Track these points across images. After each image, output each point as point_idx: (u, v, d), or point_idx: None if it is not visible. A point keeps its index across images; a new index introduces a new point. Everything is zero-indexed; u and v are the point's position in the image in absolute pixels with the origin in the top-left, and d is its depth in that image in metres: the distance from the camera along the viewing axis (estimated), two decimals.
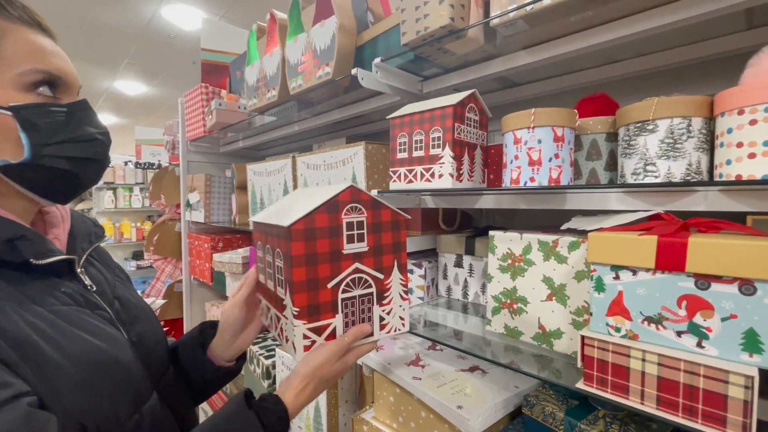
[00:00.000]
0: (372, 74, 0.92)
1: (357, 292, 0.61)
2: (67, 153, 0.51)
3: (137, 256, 4.57)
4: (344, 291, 0.60)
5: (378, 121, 1.44)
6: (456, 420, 0.70)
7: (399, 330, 0.66)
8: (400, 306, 0.66)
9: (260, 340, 1.50)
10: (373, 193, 0.92)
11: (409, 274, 0.99)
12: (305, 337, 0.58)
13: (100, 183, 4.34)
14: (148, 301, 1.41)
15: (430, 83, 0.99)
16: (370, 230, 0.62)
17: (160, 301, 1.32)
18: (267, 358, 1.34)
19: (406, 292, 0.66)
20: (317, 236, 0.57)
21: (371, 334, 0.63)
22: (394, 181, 0.86)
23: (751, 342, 0.45)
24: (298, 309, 0.56)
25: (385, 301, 0.64)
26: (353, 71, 0.91)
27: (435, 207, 1.01)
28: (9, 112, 0.47)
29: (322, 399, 1.09)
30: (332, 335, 0.60)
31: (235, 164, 1.71)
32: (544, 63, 0.77)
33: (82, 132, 0.53)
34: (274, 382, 1.31)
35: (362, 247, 0.61)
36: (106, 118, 7.58)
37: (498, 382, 0.80)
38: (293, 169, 1.34)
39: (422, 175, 0.80)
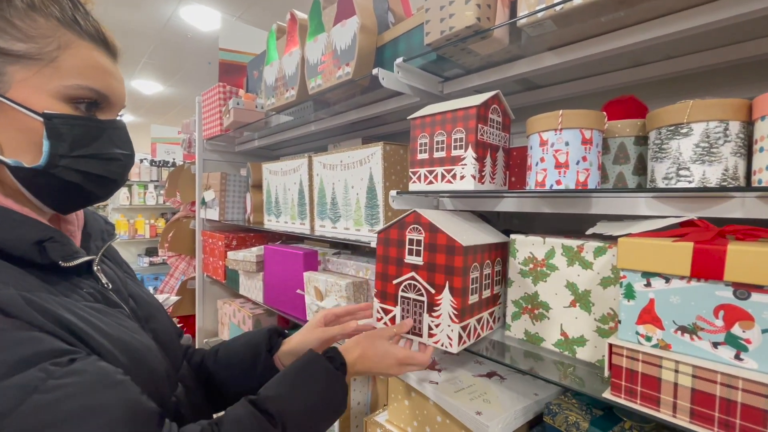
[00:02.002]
0: (393, 74, 0.91)
1: (411, 295, 0.76)
2: (83, 167, 0.50)
3: (150, 252, 4.64)
4: (403, 290, 0.77)
5: (395, 122, 1.43)
6: (474, 426, 0.68)
7: (447, 348, 0.71)
8: (449, 326, 0.70)
9: None
10: (392, 194, 0.91)
11: None
12: (378, 311, 0.81)
13: None
14: (162, 297, 1.43)
15: (450, 84, 0.98)
16: (426, 249, 0.73)
17: (174, 298, 1.33)
18: None
19: (457, 316, 0.69)
20: (390, 243, 0.79)
21: (417, 333, 0.75)
22: (414, 182, 0.85)
23: None
24: (376, 290, 0.82)
25: (434, 314, 0.72)
26: (374, 71, 0.91)
27: (453, 209, 1.00)
28: (41, 118, 0.47)
29: None
30: (393, 320, 0.78)
31: (251, 163, 1.72)
32: (570, 65, 0.76)
33: (106, 150, 0.52)
34: None
35: (419, 260, 0.74)
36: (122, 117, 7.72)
37: (517, 388, 0.78)
38: (309, 169, 1.35)
39: (443, 177, 0.79)
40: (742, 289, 0.46)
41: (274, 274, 1.43)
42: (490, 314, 0.78)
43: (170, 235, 2.08)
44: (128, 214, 4.58)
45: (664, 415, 0.50)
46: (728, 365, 0.47)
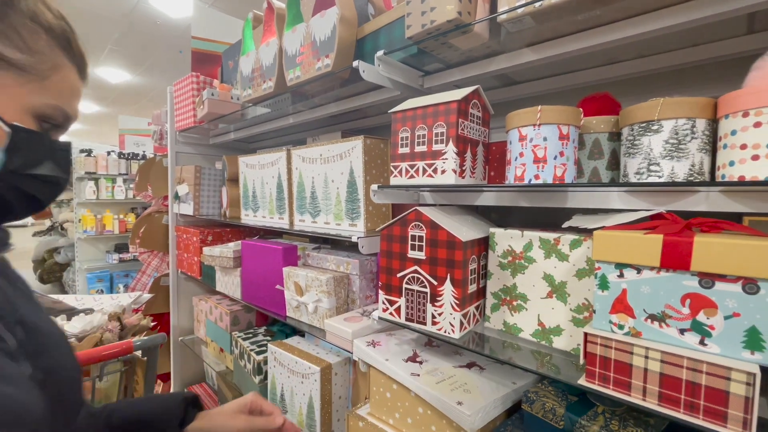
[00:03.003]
0: (374, 67, 0.90)
1: (415, 287, 0.80)
2: (24, 186, 0.48)
3: (120, 248, 4.45)
4: (407, 283, 0.81)
5: (374, 116, 1.43)
6: (456, 416, 0.70)
7: (449, 334, 0.75)
8: (451, 314, 0.75)
9: (251, 335, 1.48)
10: (374, 187, 0.91)
11: None
12: (383, 303, 0.86)
13: (81, 173, 4.20)
14: (134, 295, 1.37)
15: (431, 78, 0.98)
16: (428, 244, 0.77)
17: (147, 296, 1.28)
18: (258, 353, 1.32)
19: (458, 305, 0.73)
20: (393, 239, 0.83)
21: (421, 322, 0.79)
22: (395, 176, 0.85)
23: (753, 340, 0.46)
24: (380, 283, 0.86)
25: (437, 304, 0.77)
26: (354, 63, 0.90)
27: (433, 203, 1.01)
28: (9, 129, 0.45)
29: (316, 394, 1.09)
30: (398, 311, 0.83)
31: (227, 156, 1.67)
32: (547, 61, 0.77)
33: (51, 173, 0.50)
34: (265, 378, 1.30)
35: (421, 255, 0.78)
36: (86, 106, 7.34)
37: (496, 378, 0.80)
38: (288, 162, 1.32)
39: (424, 171, 0.79)
40: (707, 279, 0.48)
41: (252, 270, 1.41)
42: (476, 307, 0.80)
43: (141, 231, 2.00)
44: (95, 209, 4.37)
45: (634, 399, 0.52)
46: (693, 350, 0.49)
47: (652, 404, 0.51)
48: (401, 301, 0.83)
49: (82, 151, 4.27)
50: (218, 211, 1.87)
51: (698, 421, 0.48)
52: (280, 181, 1.37)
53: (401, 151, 0.84)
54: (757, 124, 0.51)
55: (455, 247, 0.73)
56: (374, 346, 0.93)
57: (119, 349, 0.85)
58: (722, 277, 0.47)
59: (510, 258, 0.77)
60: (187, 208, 1.83)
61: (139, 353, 0.99)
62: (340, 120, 1.53)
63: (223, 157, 1.69)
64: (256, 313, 1.68)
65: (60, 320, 1.02)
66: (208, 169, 1.84)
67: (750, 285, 0.46)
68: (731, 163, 0.54)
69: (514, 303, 0.77)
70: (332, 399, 1.12)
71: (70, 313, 1.13)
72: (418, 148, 0.80)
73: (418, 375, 0.80)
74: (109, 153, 4.36)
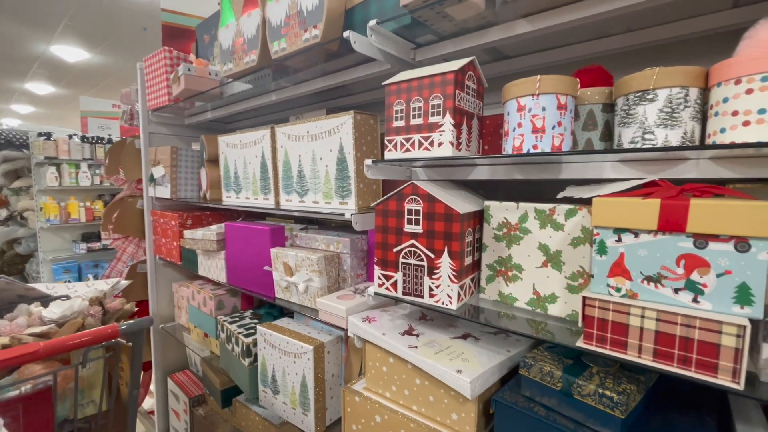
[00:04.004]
0: (365, 38, 0.88)
1: (412, 261, 0.80)
2: None
3: (87, 238, 4.24)
4: (403, 257, 0.81)
5: (360, 93, 1.40)
6: (456, 383, 0.71)
7: (447, 305, 0.76)
8: (449, 286, 0.75)
9: (237, 319, 1.45)
10: (367, 162, 0.90)
11: None
12: (379, 278, 0.86)
13: (40, 158, 3.94)
14: (111, 281, 1.31)
15: (422, 51, 0.97)
16: (425, 217, 0.77)
17: (125, 282, 1.23)
18: (247, 336, 1.30)
19: (456, 276, 0.74)
20: (389, 214, 0.83)
21: (418, 295, 0.80)
22: (390, 150, 0.84)
23: (743, 295, 0.49)
24: (376, 258, 0.86)
25: (434, 276, 0.77)
26: (346, 34, 0.87)
27: (426, 178, 1.01)
28: None
29: (309, 373, 1.08)
30: (394, 285, 0.83)
31: (205, 136, 1.60)
32: (541, 33, 0.77)
33: None
34: (255, 360, 1.28)
35: (418, 229, 0.78)
36: (41, 87, 6.83)
37: (491, 347, 0.82)
38: (272, 141, 1.28)
39: (420, 144, 0.78)
40: (701, 239, 0.51)
41: (237, 253, 1.37)
42: (472, 279, 0.81)
43: (115, 216, 1.91)
44: (58, 197, 4.12)
45: (630, 356, 0.55)
46: (687, 308, 0.52)
47: (647, 360, 0.54)
48: (398, 276, 0.83)
49: (40, 134, 4.00)
50: (197, 193, 1.80)
51: (690, 373, 0.50)
52: (264, 160, 1.33)
53: (396, 124, 0.82)
54: (749, 91, 0.52)
55: (453, 219, 0.73)
56: (369, 322, 0.93)
57: (105, 334, 0.82)
58: (716, 238, 0.50)
59: (505, 230, 0.78)
60: (164, 191, 1.75)
61: (123, 339, 0.96)
62: (324, 98, 1.49)
63: (201, 137, 1.62)
64: (241, 297, 1.65)
65: (34, 307, 0.97)
66: (185, 151, 1.76)
67: (742, 244, 0.48)
68: (722, 130, 0.56)
69: (509, 273, 0.78)
70: (325, 377, 1.12)
71: (45, 300, 1.07)
72: (413, 121, 0.79)
73: (416, 347, 0.81)
74: (71, 137, 4.10)
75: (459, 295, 0.76)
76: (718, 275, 0.50)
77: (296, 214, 1.24)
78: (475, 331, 0.90)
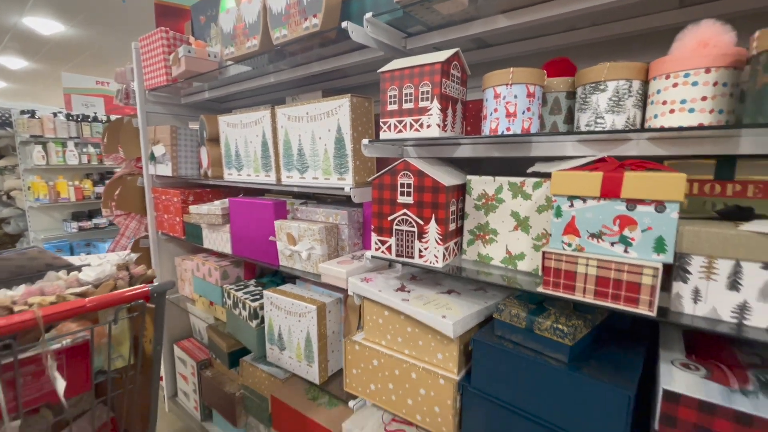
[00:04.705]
0: (361, 28, 0.97)
1: (404, 228, 0.93)
2: None
3: (78, 217, 4.25)
4: (397, 224, 0.94)
5: (354, 76, 1.49)
6: (441, 326, 0.86)
7: (434, 264, 0.90)
8: (435, 248, 0.89)
9: (242, 287, 1.58)
10: (365, 142, 1.01)
11: None
12: (375, 243, 0.99)
13: (26, 136, 3.89)
14: (123, 254, 1.42)
15: (413, 40, 1.07)
16: (416, 190, 0.90)
17: (134, 255, 1.33)
18: (253, 301, 1.43)
19: (441, 240, 0.88)
20: (384, 187, 0.95)
21: (409, 256, 0.92)
22: (384, 131, 0.95)
23: (659, 245, 0.64)
24: (373, 226, 0.99)
25: (423, 240, 0.91)
26: (344, 24, 0.96)
27: (416, 156, 1.13)
28: None
29: (313, 330, 1.23)
30: (389, 248, 0.97)
31: (205, 116, 1.67)
32: (517, 27, 0.88)
33: None
34: (262, 322, 1.42)
35: (409, 200, 0.91)
36: (12, 62, 6.56)
37: (471, 300, 0.97)
38: (272, 121, 1.37)
39: (411, 126, 0.90)
40: (632, 203, 0.65)
41: (241, 226, 1.48)
42: (455, 243, 0.95)
43: (116, 193, 1.98)
44: (46, 176, 4.09)
45: (577, 296, 0.70)
46: (619, 257, 0.67)
47: (589, 299, 0.69)
48: (392, 241, 0.96)
49: (23, 112, 3.93)
50: (196, 171, 1.88)
51: (620, 306, 0.66)
52: (264, 139, 1.42)
53: (390, 108, 0.93)
54: (675, 85, 0.66)
55: (439, 191, 0.86)
56: (367, 282, 1.07)
57: (137, 293, 0.93)
58: (642, 202, 0.64)
59: (484, 200, 0.91)
60: (165, 169, 1.83)
61: (148, 301, 1.07)
62: (320, 79, 1.57)
63: (201, 117, 1.69)
64: (244, 268, 1.77)
65: (62, 274, 1.07)
66: (184, 130, 1.83)
67: (660, 206, 0.62)
68: (655, 116, 0.69)
69: (487, 237, 0.92)
70: (327, 333, 1.26)
71: (69, 268, 1.17)
72: (405, 105, 0.91)
73: (408, 300, 0.95)
74: (55, 114, 4.04)
75: (444, 255, 0.90)
76: (643, 231, 0.65)
77: (296, 189, 1.35)
78: (459, 288, 1.05)
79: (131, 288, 0.95)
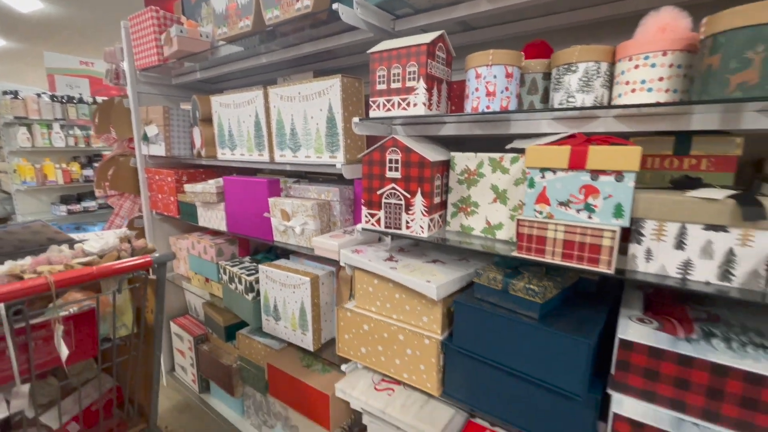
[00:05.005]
0: (352, 10, 1.01)
1: (392, 201, 1.00)
2: None
3: (66, 200, 4.22)
4: (385, 198, 1.01)
5: (344, 57, 1.53)
6: (425, 290, 0.94)
7: (419, 234, 0.97)
8: (421, 219, 0.96)
9: (237, 263, 1.64)
10: (355, 120, 1.07)
11: None
12: (366, 216, 1.06)
13: (9, 117, 3.82)
14: (120, 231, 1.46)
15: (401, 22, 1.11)
16: (403, 165, 0.96)
17: (131, 232, 1.38)
18: (249, 275, 1.49)
19: (427, 212, 0.94)
20: (374, 163, 1.01)
21: (397, 228, 0.99)
22: (374, 109, 1.01)
23: (617, 211, 0.71)
24: (363, 200, 1.05)
25: (410, 212, 0.98)
26: (334, 6, 1.00)
27: (404, 134, 1.18)
28: None
29: (307, 300, 1.30)
30: (378, 221, 1.03)
31: (198, 96, 1.70)
32: (499, 11, 0.93)
33: None
34: (257, 295, 1.49)
35: (397, 174, 0.97)
36: None
37: (454, 268, 1.05)
38: (265, 101, 1.41)
39: (399, 104, 0.96)
40: (595, 174, 0.72)
41: (236, 203, 1.53)
42: (440, 215, 1.02)
43: (110, 174, 2.00)
44: (32, 158, 4.04)
45: (547, 259, 0.78)
46: (584, 222, 0.74)
47: (557, 260, 0.77)
48: (381, 213, 1.03)
49: (5, 92, 3.85)
50: (189, 151, 1.91)
51: (583, 266, 0.74)
52: (257, 119, 1.46)
53: (379, 87, 0.99)
54: (636, 66, 0.72)
55: (425, 166, 0.93)
56: (358, 254, 1.14)
57: (141, 262, 0.99)
58: (604, 172, 0.71)
59: (466, 175, 0.98)
60: (158, 149, 1.86)
61: (150, 272, 1.13)
62: (311, 60, 1.61)
63: (193, 97, 1.71)
64: (238, 246, 1.82)
65: (65, 247, 1.12)
66: (176, 110, 1.85)
67: (619, 176, 0.70)
68: (619, 95, 0.76)
69: (468, 209, 0.99)
70: (320, 304, 1.34)
71: (70, 243, 1.21)
72: (393, 85, 0.96)
73: (396, 268, 1.03)
74: (39, 95, 3.96)
75: (429, 226, 0.97)
76: (604, 198, 0.72)
77: (289, 168, 1.40)
78: (443, 258, 1.13)
79: (135, 257, 1.00)
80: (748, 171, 0.90)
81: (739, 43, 0.58)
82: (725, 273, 0.65)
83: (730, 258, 0.64)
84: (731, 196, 0.63)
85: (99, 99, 4.40)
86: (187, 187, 1.68)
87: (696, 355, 0.68)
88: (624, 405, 0.74)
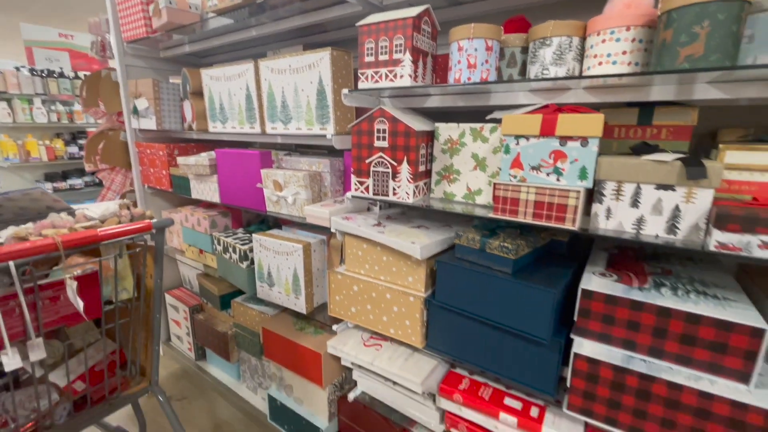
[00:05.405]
0: None
1: (380, 169, 1.06)
2: None
3: (51, 178, 4.17)
4: (374, 166, 1.07)
5: (333, 31, 1.55)
6: (410, 250, 1.02)
7: (405, 200, 1.04)
8: (407, 185, 1.03)
9: (231, 234, 1.69)
10: (344, 91, 1.11)
11: None
12: (355, 184, 1.12)
13: None
14: (116, 202, 1.50)
15: None
16: (390, 135, 1.02)
17: (126, 200, 1.42)
18: (243, 244, 1.55)
19: (412, 179, 1.01)
20: (362, 133, 1.07)
21: (384, 194, 1.07)
22: (362, 81, 1.06)
23: (582, 174, 0.79)
24: (353, 169, 1.11)
25: (396, 179, 1.04)
26: None
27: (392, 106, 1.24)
28: None
29: (300, 266, 1.37)
30: (366, 188, 1.10)
31: (188, 69, 1.71)
32: None
33: None
34: (252, 263, 1.55)
35: (385, 144, 1.03)
36: None
37: (437, 233, 1.13)
38: (256, 74, 1.44)
39: (386, 76, 1.01)
40: (563, 140, 0.80)
41: (229, 175, 1.58)
42: (424, 183, 1.09)
43: (100, 147, 2.01)
44: (14, 134, 3.95)
45: (520, 218, 0.86)
46: (553, 184, 0.82)
47: (529, 220, 0.85)
48: (369, 181, 1.09)
49: None
50: (180, 125, 1.93)
51: (551, 223, 0.82)
52: (248, 92, 1.49)
53: (367, 59, 1.03)
54: (603, 41, 0.79)
55: (410, 135, 0.99)
56: (348, 220, 1.21)
57: (143, 226, 1.04)
58: (571, 138, 0.79)
59: (449, 144, 1.05)
60: (149, 123, 1.87)
61: (147, 240, 1.18)
62: (300, 34, 1.62)
63: (183, 71, 1.72)
64: (231, 218, 1.88)
65: (64, 215, 1.16)
66: (165, 84, 1.85)
67: (584, 141, 0.77)
68: (588, 68, 0.83)
69: (451, 177, 1.06)
70: (312, 269, 1.41)
71: (69, 211, 1.25)
72: (381, 57, 1.01)
73: (383, 233, 1.10)
74: (18, 69, 3.85)
75: (414, 192, 1.04)
76: (571, 162, 0.80)
77: (280, 141, 1.45)
78: (427, 224, 1.20)
79: (136, 222, 1.05)
80: (707, 141, 0.99)
81: (688, 19, 0.65)
82: (672, 227, 0.73)
83: (676, 213, 0.72)
84: (678, 159, 0.71)
85: (81, 74, 4.29)
86: (180, 159, 1.71)
87: (645, 300, 0.77)
88: (584, 347, 0.84)
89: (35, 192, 1.16)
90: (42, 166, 4.18)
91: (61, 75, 4.11)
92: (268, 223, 1.86)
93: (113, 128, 2.09)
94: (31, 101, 3.95)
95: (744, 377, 0.71)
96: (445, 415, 1.09)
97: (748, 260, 0.65)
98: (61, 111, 4.15)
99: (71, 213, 1.21)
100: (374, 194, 1.10)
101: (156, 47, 1.97)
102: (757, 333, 0.68)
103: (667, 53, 0.68)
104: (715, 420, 0.71)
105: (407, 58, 0.96)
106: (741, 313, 0.72)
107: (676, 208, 0.72)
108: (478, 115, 1.26)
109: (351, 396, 1.31)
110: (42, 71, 4.00)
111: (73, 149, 4.26)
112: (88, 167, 2.14)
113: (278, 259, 1.43)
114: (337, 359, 1.39)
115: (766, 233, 0.63)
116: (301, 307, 1.42)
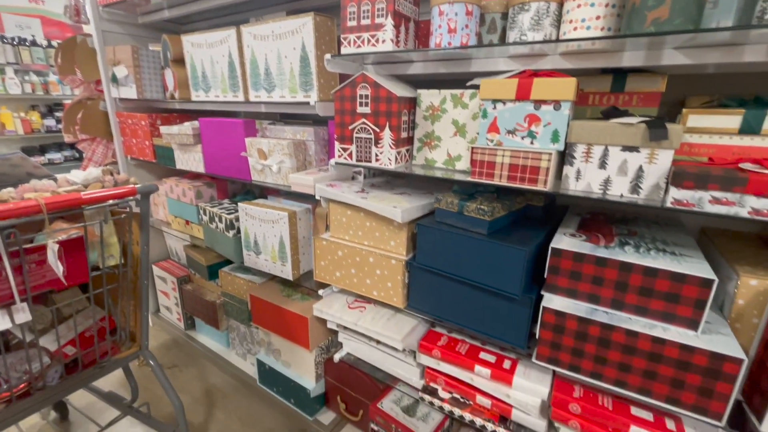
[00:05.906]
0: None
1: (363, 135, 1.08)
2: None
3: (29, 152, 4.05)
4: (356, 133, 1.09)
5: None
6: (392, 214, 1.05)
7: (388, 166, 1.06)
8: (389, 151, 1.06)
9: (217, 204, 1.70)
10: (327, 56, 1.12)
11: None
12: (338, 150, 1.14)
13: None
14: (98, 169, 1.49)
15: None
16: (373, 101, 1.03)
17: (113, 166, 1.41)
18: (229, 214, 1.57)
19: (394, 145, 1.03)
20: (345, 99, 1.08)
21: (367, 160, 1.09)
22: (345, 46, 1.06)
23: (554, 137, 0.83)
24: (336, 135, 1.13)
25: (379, 146, 1.06)
26: None
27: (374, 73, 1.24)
28: None
29: (285, 234, 1.40)
30: (350, 155, 1.12)
31: (168, 36, 1.66)
32: None
33: None
34: (238, 232, 1.57)
35: (367, 110, 1.04)
36: None
37: (419, 198, 1.17)
38: (239, 40, 1.42)
39: (368, 41, 1.01)
40: (538, 104, 0.82)
41: (213, 145, 1.57)
42: (407, 150, 1.11)
43: (79, 117, 1.96)
44: None
45: (495, 181, 0.89)
46: (527, 147, 0.85)
47: (504, 182, 0.88)
48: (352, 148, 1.11)
49: None
50: (161, 94, 1.89)
51: (524, 185, 0.86)
52: (231, 59, 1.47)
53: (350, 24, 1.03)
54: (579, 5, 0.81)
55: (392, 101, 1.01)
56: (332, 187, 1.23)
57: (127, 190, 1.05)
58: (545, 102, 0.82)
59: (431, 111, 1.07)
60: (129, 92, 1.83)
61: (132, 206, 1.19)
62: (282, 0, 1.59)
63: (163, 37, 1.68)
64: (216, 189, 1.88)
65: (46, 181, 1.16)
66: (145, 51, 1.80)
67: (556, 105, 0.80)
68: (564, 33, 0.85)
69: (432, 143, 1.09)
70: (298, 237, 1.44)
71: (50, 178, 1.25)
72: (363, 22, 1.01)
73: (366, 199, 1.13)
74: None
75: (396, 158, 1.06)
76: (544, 126, 0.83)
77: (264, 108, 1.44)
78: (409, 191, 1.24)
79: (121, 186, 1.06)
80: (677, 110, 1.03)
81: None
82: (635, 187, 0.78)
83: (639, 174, 0.77)
84: (643, 122, 0.75)
85: (54, 42, 4.11)
86: (163, 128, 1.69)
87: (609, 257, 0.83)
88: (553, 301, 0.90)
89: (15, 157, 1.14)
90: (18, 139, 4.05)
91: (34, 43, 3.93)
92: (253, 194, 1.87)
93: (92, 97, 2.04)
94: (3, 71, 3.78)
95: (693, 324, 0.78)
96: (425, 371, 1.16)
97: (700, 215, 0.70)
98: (36, 82, 3.99)
99: (53, 179, 1.21)
100: (357, 160, 1.12)
101: (134, 12, 1.90)
102: (707, 283, 0.74)
103: (636, 17, 0.71)
104: (666, 362, 0.78)
105: (389, 22, 0.97)
106: (694, 266, 0.78)
107: (640, 169, 0.77)
108: (459, 83, 1.27)
109: (337, 357, 1.37)
110: (13, 39, 3.81)
111: (51, 122, 4.13)
112: (67, 138, 2.09)
113: (264, 228, 1.46)
114: (324, 323, 1.44)
115: (716, 189, 0.68)
116: (287, 273, 1.46)
